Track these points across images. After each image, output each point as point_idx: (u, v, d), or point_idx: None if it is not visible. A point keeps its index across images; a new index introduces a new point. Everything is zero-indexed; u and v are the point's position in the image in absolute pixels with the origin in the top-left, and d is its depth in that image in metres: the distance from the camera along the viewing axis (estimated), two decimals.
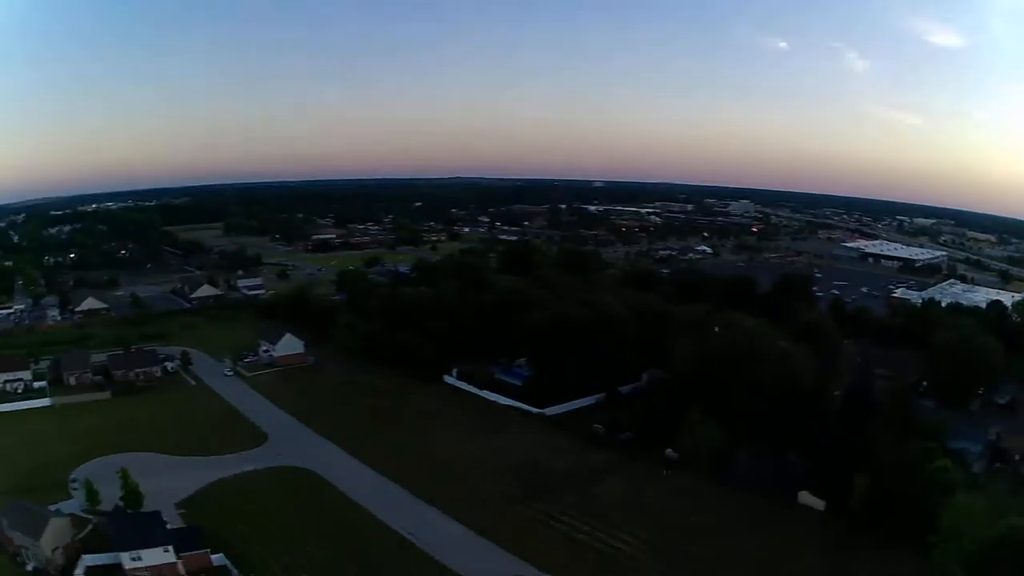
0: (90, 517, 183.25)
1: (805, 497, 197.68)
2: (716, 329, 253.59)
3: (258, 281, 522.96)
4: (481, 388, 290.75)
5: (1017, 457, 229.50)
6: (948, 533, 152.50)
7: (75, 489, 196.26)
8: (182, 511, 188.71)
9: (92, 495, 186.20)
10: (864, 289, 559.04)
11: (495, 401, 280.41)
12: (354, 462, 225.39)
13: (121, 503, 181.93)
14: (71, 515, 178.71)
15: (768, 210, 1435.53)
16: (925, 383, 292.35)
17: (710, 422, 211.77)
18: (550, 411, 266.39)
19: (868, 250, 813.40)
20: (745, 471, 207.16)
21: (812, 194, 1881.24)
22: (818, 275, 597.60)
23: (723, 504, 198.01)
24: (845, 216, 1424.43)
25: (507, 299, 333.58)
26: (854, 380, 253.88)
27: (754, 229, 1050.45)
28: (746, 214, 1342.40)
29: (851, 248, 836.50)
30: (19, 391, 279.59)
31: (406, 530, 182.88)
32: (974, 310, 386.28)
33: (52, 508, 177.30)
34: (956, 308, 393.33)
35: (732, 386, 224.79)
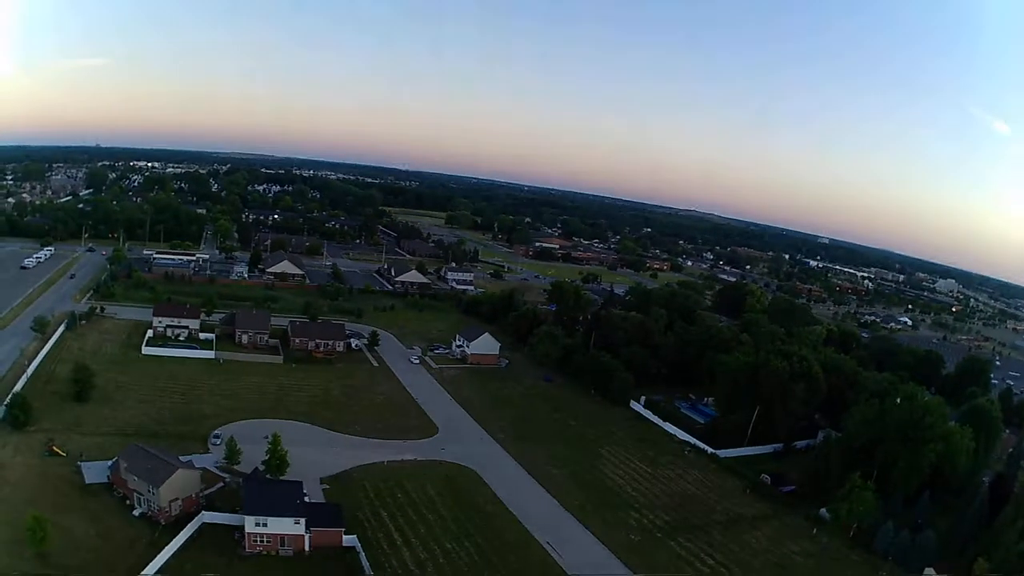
0: (224, 475, 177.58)
1: (930, 573, 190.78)
2: (898, 400, 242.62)
3: (469, 276, 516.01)
4: (664, 419, 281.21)
5: None
6: None
7: (215, 444, 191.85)
8: (326, 487, 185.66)
9: (233, 453, 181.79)
10: None
11: (674, 435, 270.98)
12: (518, 469, 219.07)
13: (263, 467, 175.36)
14: (203, 469, 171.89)
15: (969, 292, 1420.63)
16: None
17: (868, 488, 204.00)
18: (724, 453, 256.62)
19: None
20: (886, 541, 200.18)
21: (1011, 284, 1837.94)
22: (998, 363, 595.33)
23: (858, 570, 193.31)
24: None
25: (710, 337, 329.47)
26: (1001, 472, 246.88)
27: (953, 309, 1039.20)
28: (949, 293, 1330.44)
29: None
30: (181, 338, 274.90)
31: (551, 544, 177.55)
32: None
33: (184, 459, 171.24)
34: None
35: (898, 457, 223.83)
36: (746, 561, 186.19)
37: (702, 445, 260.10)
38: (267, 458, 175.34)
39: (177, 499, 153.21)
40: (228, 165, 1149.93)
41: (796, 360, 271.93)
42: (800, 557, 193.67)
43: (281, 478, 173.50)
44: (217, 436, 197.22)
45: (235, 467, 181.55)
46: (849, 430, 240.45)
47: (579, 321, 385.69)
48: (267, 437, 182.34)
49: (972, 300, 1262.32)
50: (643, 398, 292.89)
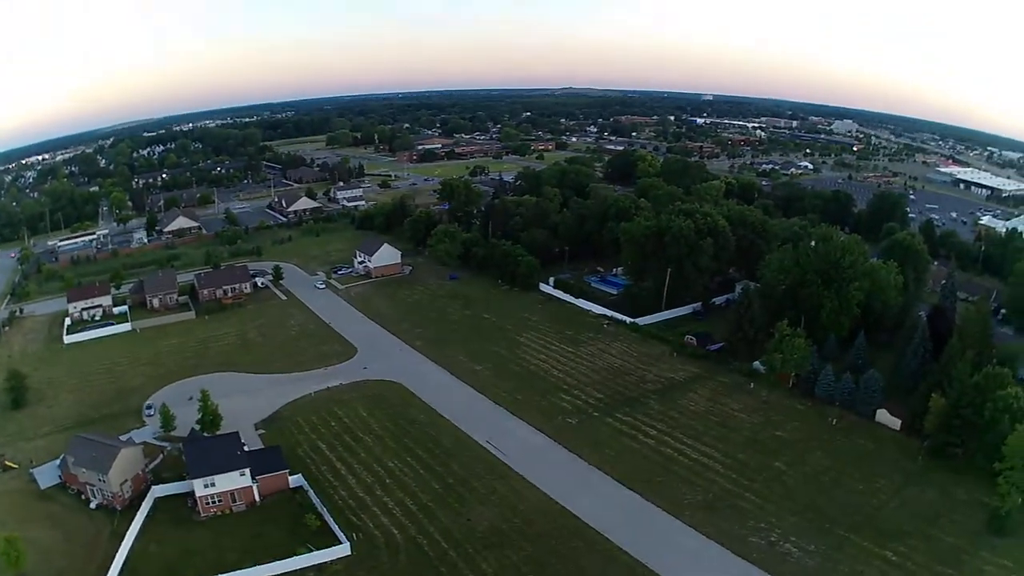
0: (164, 444, 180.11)
1: (883, 416, 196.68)
2: (812, 243, 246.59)
3: (358, 192, 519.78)
4: (577, 297, 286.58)
5: None
6: (1014, 460, 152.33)
7: (149, 415, 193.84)
8: (261, 431, 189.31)
9: (167, 420, 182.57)
10: (953, 214, 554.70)
11: (589, 310, 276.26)
12: (443, 373, 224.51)
13: (198, 427, 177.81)
14: (143, 443, 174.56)
15: (869, 131, 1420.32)
16: (1004, 311, 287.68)
17: (799, 335, 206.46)
18: (643, 321, 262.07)
19: (960, 176, 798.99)
20: (828, 387, 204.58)
21: (911, 118, 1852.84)
22: (912, 197, 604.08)
23: (804, 419, 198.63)
24: (940, 142, 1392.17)
25: (608, 208, 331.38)
26: (938, 302, 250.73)
27: (855, 148, 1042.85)
28: (848, 133, 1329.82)
29: (944, 173, 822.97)
30: (97, 318, 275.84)
31: (491, 442, 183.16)
32: None
33: (123, 438, 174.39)
34: None
35: (822, 300, 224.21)
36: (688, 425, 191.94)
37: (620, 316, 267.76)
38: (200, 417, 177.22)
39: (126, 480, 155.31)
40: (112, 138, 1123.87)
41: (700, 217, 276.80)
42: (743, 414, 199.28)
43: (217, 433, 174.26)
44: (149, 407, 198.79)
45: (172, 433, 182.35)
46: (767, 279, 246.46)
47: (474, 215, 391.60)
48: (191, 398, 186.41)
49: (874, 138, 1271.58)
50: (551, 279, 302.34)
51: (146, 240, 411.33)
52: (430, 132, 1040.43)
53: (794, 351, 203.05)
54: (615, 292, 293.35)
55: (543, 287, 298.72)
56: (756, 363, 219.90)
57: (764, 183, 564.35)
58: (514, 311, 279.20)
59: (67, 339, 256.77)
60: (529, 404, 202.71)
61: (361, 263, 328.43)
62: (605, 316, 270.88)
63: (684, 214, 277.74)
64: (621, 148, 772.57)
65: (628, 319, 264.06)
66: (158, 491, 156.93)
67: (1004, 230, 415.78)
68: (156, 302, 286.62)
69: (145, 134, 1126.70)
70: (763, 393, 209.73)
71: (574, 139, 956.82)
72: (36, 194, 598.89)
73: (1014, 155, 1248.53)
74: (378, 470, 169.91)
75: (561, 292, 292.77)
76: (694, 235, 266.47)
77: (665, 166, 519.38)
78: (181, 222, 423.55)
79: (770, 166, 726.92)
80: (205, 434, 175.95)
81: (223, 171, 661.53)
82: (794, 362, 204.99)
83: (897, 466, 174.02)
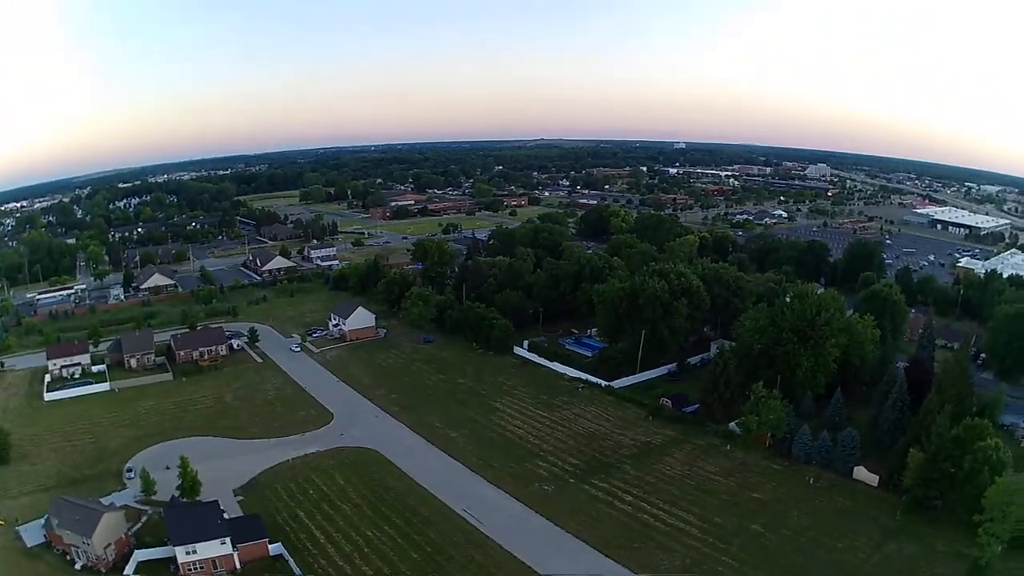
0: (145, 508, 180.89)
1: (860, 472, 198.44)
2: (788, 298, 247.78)
3: (331, 251, 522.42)
4: (552, 360, 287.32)
5: None
6: (992, 512, 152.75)
7: (130, 478, 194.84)
8: (240, 498, 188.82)
9: (148, 484, 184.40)
10: (931, 257, 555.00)
11: (564, 374, 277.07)
12: (418, 440, 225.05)
13: (178, 492, 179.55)
14: (124, 507, 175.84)
15: (844, 174, 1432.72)
16: (984, 355, 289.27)
17: (774, 397, 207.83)
18: (618, 384, 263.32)
19: (937, 217, 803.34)
20: (805, 446, 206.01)
21: (887, 158, 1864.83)
22: (888, 241, 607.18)
23: (781, 479, 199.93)
24: (916, 181, 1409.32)
25: (581, 269, 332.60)
26: (915, 355, 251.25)
27: (829, 193, 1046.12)
28: (822, 178, 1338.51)
29: (921, 214, 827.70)
30: (76, 376, 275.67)
31: (468, 511, 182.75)
32: None
33: (105, 500, 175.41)
34: (1017, 281, 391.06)
35: (798, 358, 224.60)
36: (665, 490, 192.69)
37: (595, 379, 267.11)
38: (180, 483, 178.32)
39: (110, 544, 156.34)
40: (89, 188, 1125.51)
41: (674, 278, 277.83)
42: (720, 476, 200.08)
43: (197, 499, 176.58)
44: (130, 470, 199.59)
45: (153, 497, 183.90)
46: (743, 338, 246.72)
47: (447, 276, 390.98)
48: (168, 468, 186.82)
49: (848, 181, 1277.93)
50: (526, 342, 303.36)
51: (123, 297, 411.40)
52: (402, 187, 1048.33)
53: (770, 413, 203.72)
54: (590, 354, 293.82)
55: (518, 350, 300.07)
56: (732, 424, 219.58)
57: (739, 234, 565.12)
58: (489, 375, 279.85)
59: (47, 396, 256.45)
60: (505, 471, 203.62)
61: (336, 326, 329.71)
62: (580, 379, 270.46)
63: (658, 275, 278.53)
64: (594, 202, 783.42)
65: (603, 382, 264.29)
66: (141, 555, 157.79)
67: (983, 272, 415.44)
68: (134, 362, 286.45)
69: (121, 184, 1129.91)
70: (739, 455, 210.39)
71: (547, 193, 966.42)
72: (14, 243, 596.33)
73: (993, 189, 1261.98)
74: (357, 539, 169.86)
75: (536, 355, 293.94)
76: (668, 296, 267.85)
77: (638, 222, 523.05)
78: (157, 279, 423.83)
79: (744, 216, 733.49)
80: (185, 500, 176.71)
81: (198, 226, 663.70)
82: (770, 423, 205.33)
83: (876, 522, 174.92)
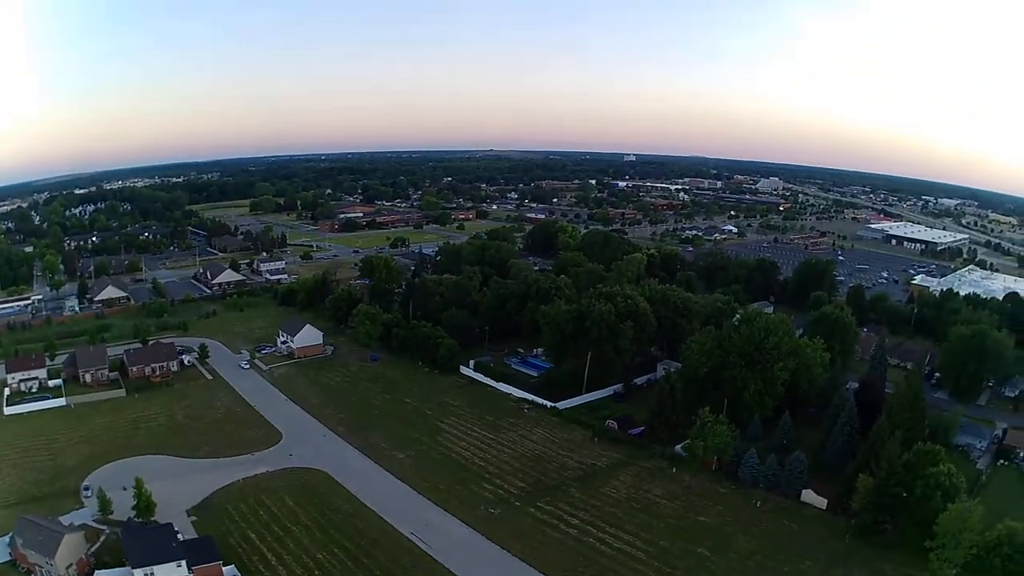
0: (103, 527, 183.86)
1: (808, 496, 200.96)
2: (735, 320, 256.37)
3: (280, 265, 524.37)
4: (498, 380, 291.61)
5: (1021, 454, 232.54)
6: (945, 538, 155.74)
7: (87, 497, 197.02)
8: (194, 519, 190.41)
9: (105, 504, 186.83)
10: (885, 273, 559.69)
11: (510, 394, 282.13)
12: (366, 461, 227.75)
13: (134, 512, 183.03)
14: (83, 526, 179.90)
15: (796, 187, 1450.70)
16: (938, 375, 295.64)
17: (720, 422, 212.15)
18: (564, 404, 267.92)
19: (891, 232, 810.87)
20: (752, 470, 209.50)
21: (841, 171, 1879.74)
22: (841, 257, 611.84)
23: (727, 502, 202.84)
24: (871, 195, 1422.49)
25: (528, 289, 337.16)
26: (865, 378, 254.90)
27: (781, 208, 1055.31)
28: (774, 191, 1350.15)
29: (875, 229, 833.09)
30: (33, 390, 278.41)
31: (415, 534, 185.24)
32: (990, 301, 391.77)
33: (65, 519, 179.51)
34: (973, 300, 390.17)
35: (745, 381, 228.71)
36: (610, 513, 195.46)
37: (540, 400, 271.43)
38: (135, 503, 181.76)
39: (71, 564, 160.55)
40: (46, 193, 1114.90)
41: (621, 300, 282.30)
42: (666, 499, 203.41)
43: (152, 519, 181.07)
44: (87, 488, 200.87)
45: (111, 517, 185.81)
46: (690, 361, 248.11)
47: (395, 293, 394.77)
48: (125, 488, 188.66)
49: (801, 195, 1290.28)
50: (472, 361, 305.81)
51: (78, 309, 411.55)
52: (351, 199, 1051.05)
53: (716, 438, 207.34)
54: (536, 374, 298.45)
55: (464, 369, 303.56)
56: (678, 447, 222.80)
57: (688, 250, 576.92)
58: (435, 395, 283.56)
59: (7, 411, 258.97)
60: (451, 494, 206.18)
61: (284, 343, 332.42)
62: (526, 400, 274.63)
63: (605, 297, 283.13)
64: (542, 216, 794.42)
65: (549, 403, 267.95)
66: None
67: (939, 290, 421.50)
68: (88, 377, 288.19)
69: (77, 191, 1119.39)
70: (686, 478, 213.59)
71: (495, 207, 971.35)
72: None
73: (951, 202, 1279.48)
74: (307, 561, 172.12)
75: (482, 375, 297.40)
76: (615, 319, 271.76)
77: (585, 239, 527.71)
78: (110, 292, 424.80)
79: (693, 232, 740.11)
80: (140, 520, 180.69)
81: (150, 236, 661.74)
82: (716, 448, 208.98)
83: (824, 546, 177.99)
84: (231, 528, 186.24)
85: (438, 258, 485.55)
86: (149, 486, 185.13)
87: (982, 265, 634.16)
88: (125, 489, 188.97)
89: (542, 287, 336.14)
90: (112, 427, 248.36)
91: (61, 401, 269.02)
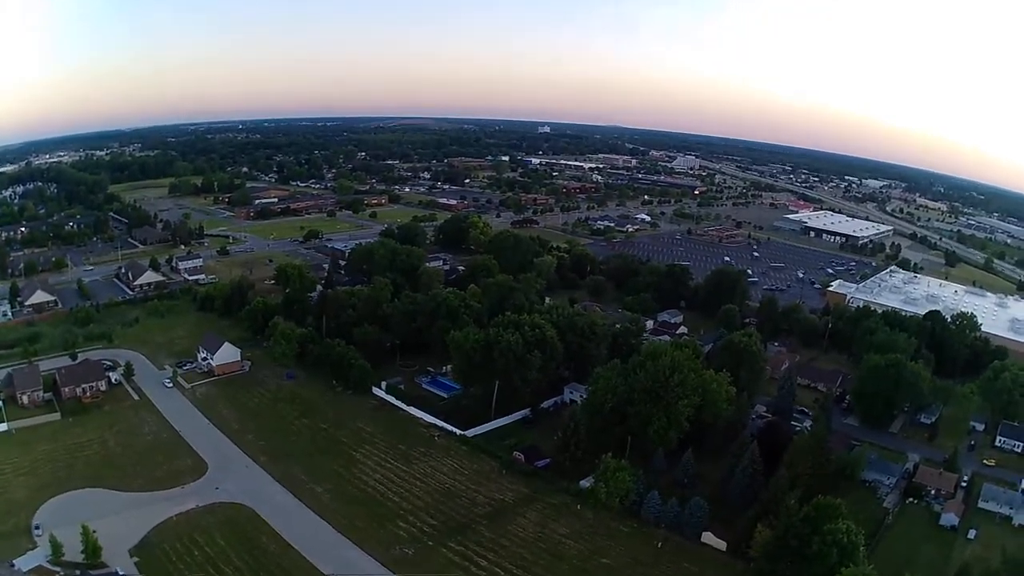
0: (57, 569, 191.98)
1: (708, 537, 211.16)
2: (640, 358, 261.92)
3: (199, 262, 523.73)
4: (409, 403, 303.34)
5: (932, 492, 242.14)
6: None
7: (38, 535, 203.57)
8: (136, 559, 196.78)
9: (56, 548, 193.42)
10: (801, 273, 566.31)
11: (421, 419, 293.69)
12: (285, 495, 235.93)
13: (82, 556, 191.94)
14: (39, 567, 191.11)
15: (714, 166, 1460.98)
16: (849, 398, 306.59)
17: (623, 468, 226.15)
18: (472, 432, 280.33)
19: (810, 224, 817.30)
20: (655, 510, 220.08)
21: (761, 144, 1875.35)
22: (756, 253, 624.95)
23: (629, 542, 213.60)
24: (791, 176, 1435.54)
25: (438, 307, 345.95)
26: (771, 416, 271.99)
27: (696, 192, 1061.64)
28: (691, 171, 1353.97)
29: (793, 220, 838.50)
30: None
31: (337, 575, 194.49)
32: (910, 320, 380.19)
33: (21, 561, 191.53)
34: (891, 318, 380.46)
35: (651, 417, 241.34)
36: (518, 554, 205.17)
37: (450, 427, 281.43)
38: (83, 547, 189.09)
39: None
40: None
41: (528, 329, 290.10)
42: (571, 540, 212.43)
43: (100, 561, 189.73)
44: (38, 527, 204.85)
45: (63, 558, 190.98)
46: (596, 395, 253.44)
47: (308, 303, 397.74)
48: (72, 528, 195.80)
49: (718, 176, 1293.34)
50: (384, 383, 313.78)
51: (11, 315, 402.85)
52: (267, 178, 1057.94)
53: (618, 483, 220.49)
54: (446, 395, 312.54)
55: (376, 391, 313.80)
56: (583, 482, 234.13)
57: (601, 244, 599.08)
58: (349, 419, 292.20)
59: None
60: (368, 532, 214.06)
61: (204, 359, 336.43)
62: (436, 427, 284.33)
63: (513, 326, 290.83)
64: (455, 201, 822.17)
65: (458, 431, 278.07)
66: None
67: (857, 304, 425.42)
68: (25, 399, 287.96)
69: (5, 169, 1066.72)
70: (590, 515, 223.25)
71: (407, 190, 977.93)
72: None
73: (876, 184, 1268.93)
74: None
75: (393, 397, 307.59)
76: (522, 349, 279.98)
77: (496, 241, 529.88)
78: (40, 295, 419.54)
79: (605, 224, 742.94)
80: (88, 563, 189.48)
81: (75, 227, 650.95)
82: (618, 492, 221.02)
83: None
84: (170, 569, 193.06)
85: (351, 256, 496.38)
86: (93, 524, 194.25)
87: (905, 265, 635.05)
88: (74, 530, 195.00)
89: (451, 306, 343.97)
90: (52, 456, 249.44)
91: (3, 426, 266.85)
